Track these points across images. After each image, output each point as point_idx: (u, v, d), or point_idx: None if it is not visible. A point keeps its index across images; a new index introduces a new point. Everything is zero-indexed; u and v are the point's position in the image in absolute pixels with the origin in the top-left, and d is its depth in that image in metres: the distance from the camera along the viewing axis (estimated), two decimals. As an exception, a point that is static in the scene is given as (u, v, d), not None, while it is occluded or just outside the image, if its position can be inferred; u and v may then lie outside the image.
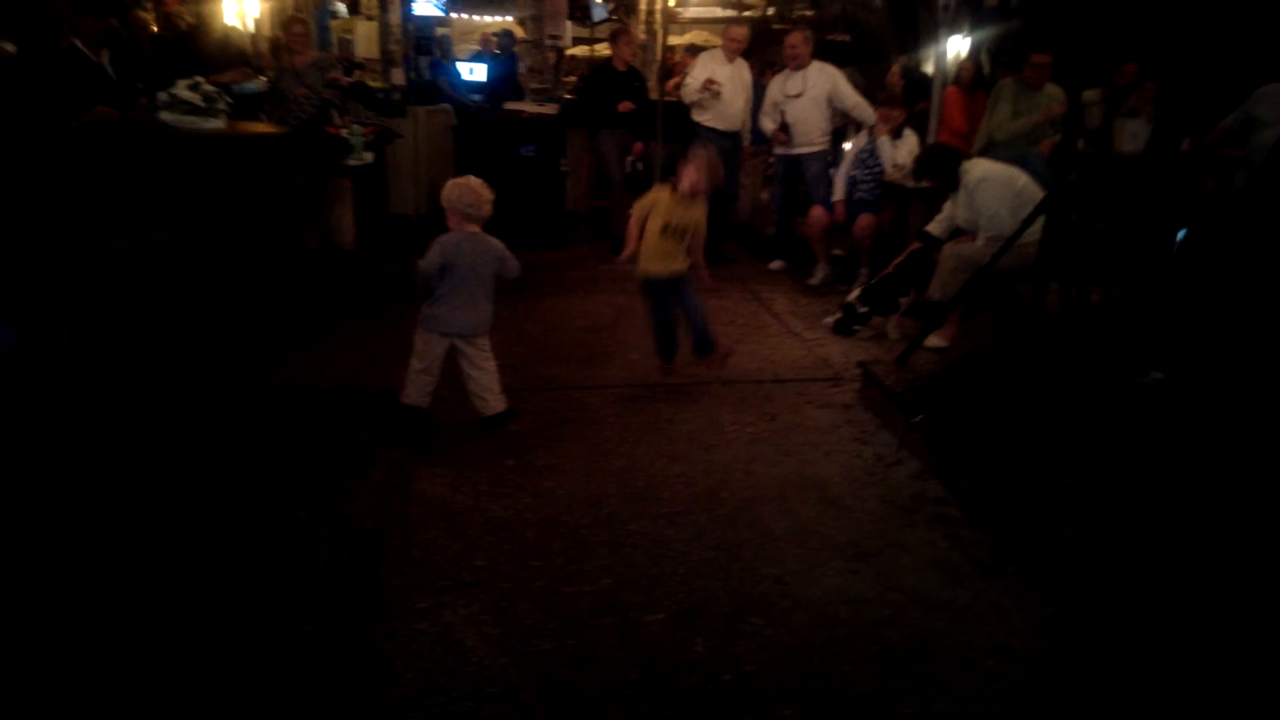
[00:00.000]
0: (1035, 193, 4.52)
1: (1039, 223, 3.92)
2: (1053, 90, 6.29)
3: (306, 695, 2.23)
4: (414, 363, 3.61)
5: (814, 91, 6.39)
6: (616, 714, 2.20)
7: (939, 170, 4.93)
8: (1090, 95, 6.98)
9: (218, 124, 5.02)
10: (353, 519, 3.06)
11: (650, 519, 3.09)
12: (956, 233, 5.00)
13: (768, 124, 6.62)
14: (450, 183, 3.55)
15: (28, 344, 3.39)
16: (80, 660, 2.31)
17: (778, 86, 6.54)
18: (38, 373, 3.53)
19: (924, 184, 5.40)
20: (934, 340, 4.90)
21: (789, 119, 6.47)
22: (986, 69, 8.07)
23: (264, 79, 6.55)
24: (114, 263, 4.02)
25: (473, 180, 3.55)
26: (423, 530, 2.99)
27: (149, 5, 7.34)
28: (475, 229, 3.57)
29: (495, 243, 3.60)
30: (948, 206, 4.96)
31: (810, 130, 6.46)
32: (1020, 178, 4.69)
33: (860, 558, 2.87)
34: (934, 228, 5.00)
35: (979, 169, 4.76)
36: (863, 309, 5.15)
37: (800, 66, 6.43)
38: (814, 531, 3.02)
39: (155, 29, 6.91)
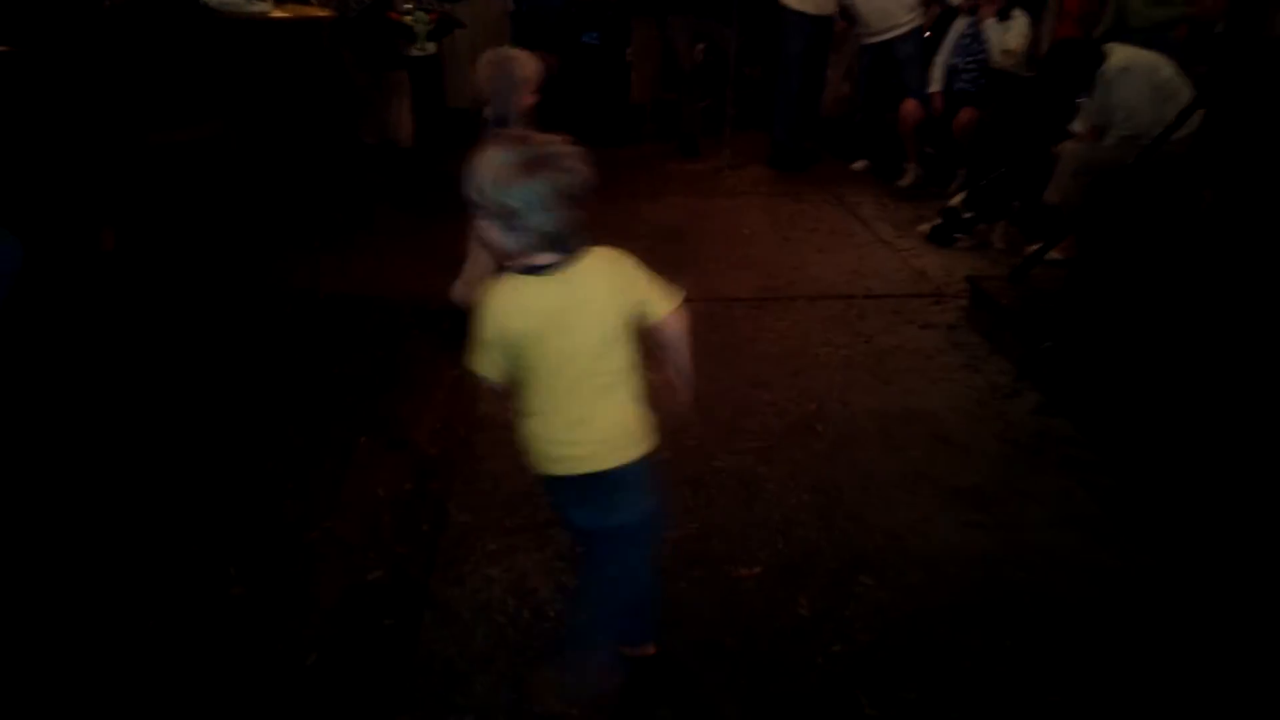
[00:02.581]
0: (1180, 86, 3.91)
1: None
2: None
3: (368, 652, 2.01)
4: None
5: None
6: (712, 686, 1.94)
7: (1071, 71, 4.26)
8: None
9: (263, 7, 4.64)
10: (416, 445, 2.82)
11: (739, 454, 2.78)
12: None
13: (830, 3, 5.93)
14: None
15: (66, 248, 3.16)
16: (139, 583, 2.13)
17: None
18: (78, 280, 3.32)
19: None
20: (1052, 254, 4.42)
21: (862, 7, 5.78)
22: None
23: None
24: (155, 159, 3.74)
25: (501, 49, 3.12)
26: (491, 460, 2.73)
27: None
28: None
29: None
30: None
31: (892, 10, 5.75)
32: (1165, 67, 4.04)
33: (980, 507, 2.53)
34: (1081, 123, 4.39)
35: (1120, 56, 4.10)
36: (967, 214, 4.65)
37: None
38: (924, 475, 2.68)
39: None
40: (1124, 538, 2.41)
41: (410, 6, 5.71)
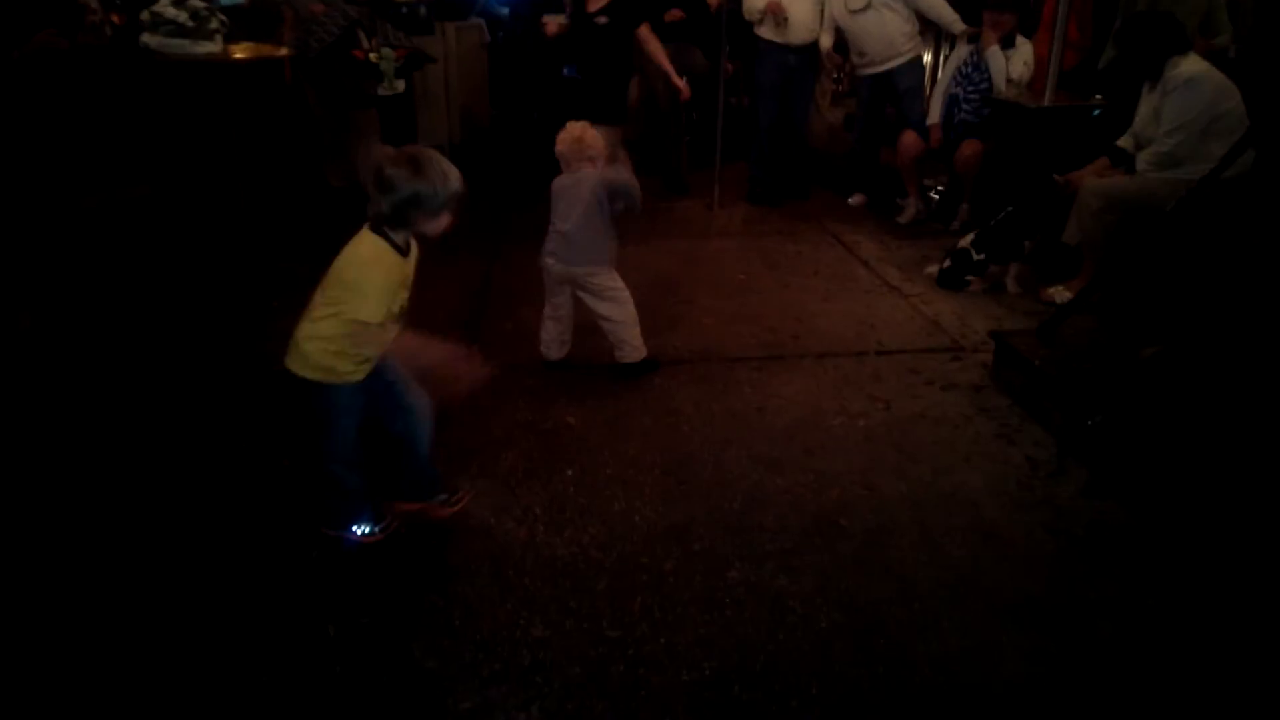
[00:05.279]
0: (1236, 127, 3.58)
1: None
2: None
3: None
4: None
5: None
6: None
7: (1146, 45, 3.86)
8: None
9: (211, 47, 4.26)
10: (376, 562, 2.41)
11: (754, 560, 2.40)
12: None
13: (824, 40, 5.61)
14: (559, 140, 3.29)
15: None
16: None
17: (838, 0, 5.50)
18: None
19: (1051, 103, 4.48)
20: (1063, 294, 4.09)
21: (860, 37, 5.46)
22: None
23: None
24: (88, 223, 3.34)
25: (572, 128, 3.29)
26: (464, 580, 2.33)
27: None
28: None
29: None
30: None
31: (893, 40, 5.44)
32: (1231, 101, 3.69)
33: (1040, 625, 2.16)
34: (1126, 141, 4.07)
35: (1192, 66, 3.74)
36: (978, 256, 4.32)
37: None
38: (971, 583, 2.31)
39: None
40: (1206, 656, 2.05)
41: (375, 44, 5.35)
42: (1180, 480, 2.52)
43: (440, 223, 2.21)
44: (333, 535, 2.46)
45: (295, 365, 2.27)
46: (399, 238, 2.21)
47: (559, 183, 3.36)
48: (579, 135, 3.29)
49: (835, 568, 2.37)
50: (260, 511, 2.62)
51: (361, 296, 2.15)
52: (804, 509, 2.63)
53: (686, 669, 2.02)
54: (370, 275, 2.17)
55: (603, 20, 4.78)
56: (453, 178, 2.17)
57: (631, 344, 3.41)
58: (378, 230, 2.20)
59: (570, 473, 2.83)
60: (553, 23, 5.17)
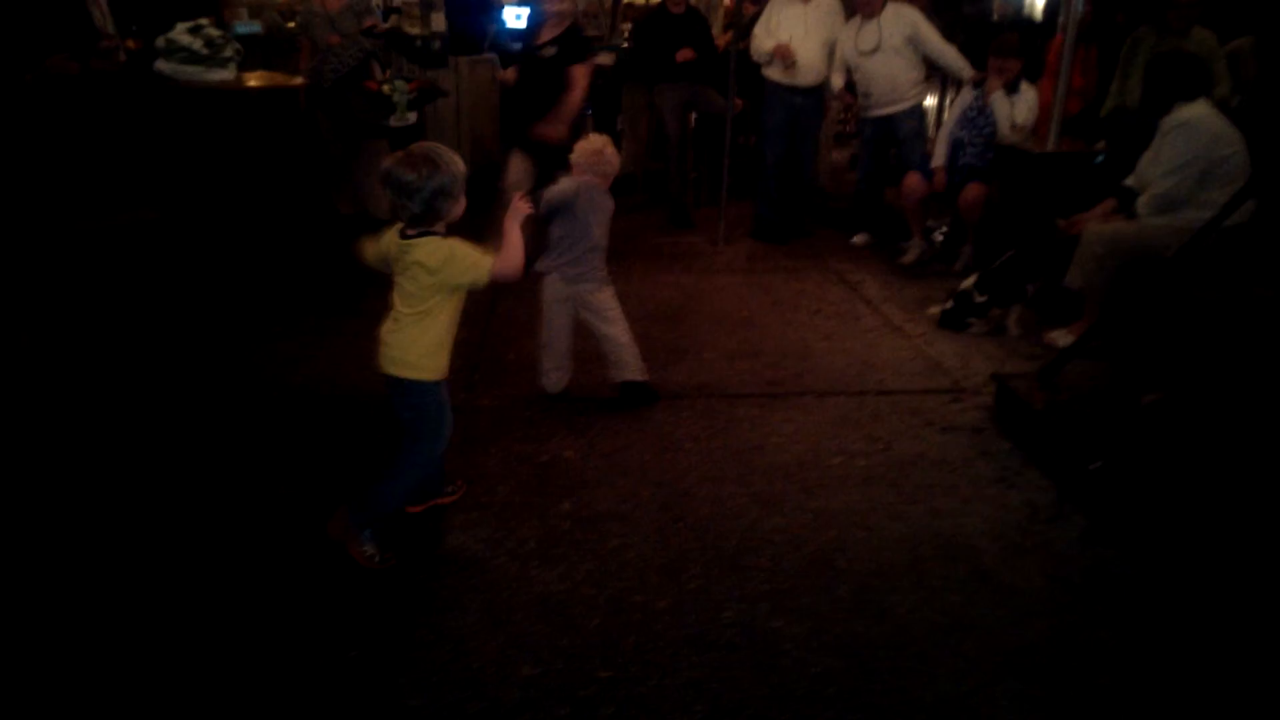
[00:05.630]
0: (1236, 175, 3.60)
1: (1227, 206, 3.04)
2: (1202, 36, 5.29)
3: None
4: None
5: (892, 40, 5.39)
6: None
7: (1160, 85, 3.87)
8: (1240, 44, 5.92)
9: (224, 74, 4.32)
10: (366, 594, 2.39)
11: (749, 601, 2.37)
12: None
13: (836, 80, 5.68)
14: (578, 147, 3.29)
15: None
16: None
17: (849, 40, 5.55)
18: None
19: (1055, 149, 4.51)
20: (1065, 337, 4.09)
21: (867, 79, 5.52)
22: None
23: (269, 21, 5.79)
24: (84, 248, 3.36)
25: (595, 140, 3.29)
26: (454, 614, 2.31)
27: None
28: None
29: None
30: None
31: (898, 85, 5.51)
32: (1230, 148, 3.71)
33: (1038, 675, 2.12)
34: (1133, 180, 4.06)
35: (1191, 111, 3.75)
36: (980, 298, 4.32)
37: (872, 14, 5.45)
38: (968, 628, 2.28)
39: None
40: (1204, 710, 2.01)
41: (389, 75, 5.42)
42: (1180, 528, 2.49)
43: (461, 205, 2.38)
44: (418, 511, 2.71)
45: (409, 372, 2.40)
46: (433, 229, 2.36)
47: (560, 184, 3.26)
48: (599, 148, 3.28)
49: (830, 610, 2.34)
50: (250, 541, 2.61)
51: (464, 264, 2.32)
52: (801, 549, 2.61)
53: (679, 712, 1.99)
54: (452, 249, 2.32)
55: (550, 52, 4.78)
56: (458, 160, 2.34)
57: (631, 368, 3.45)
58: (415, 230, 2.35)
59: (566, 507, 2.81)
60: (510, 72, 5.14)
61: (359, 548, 2.47)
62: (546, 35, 4.78)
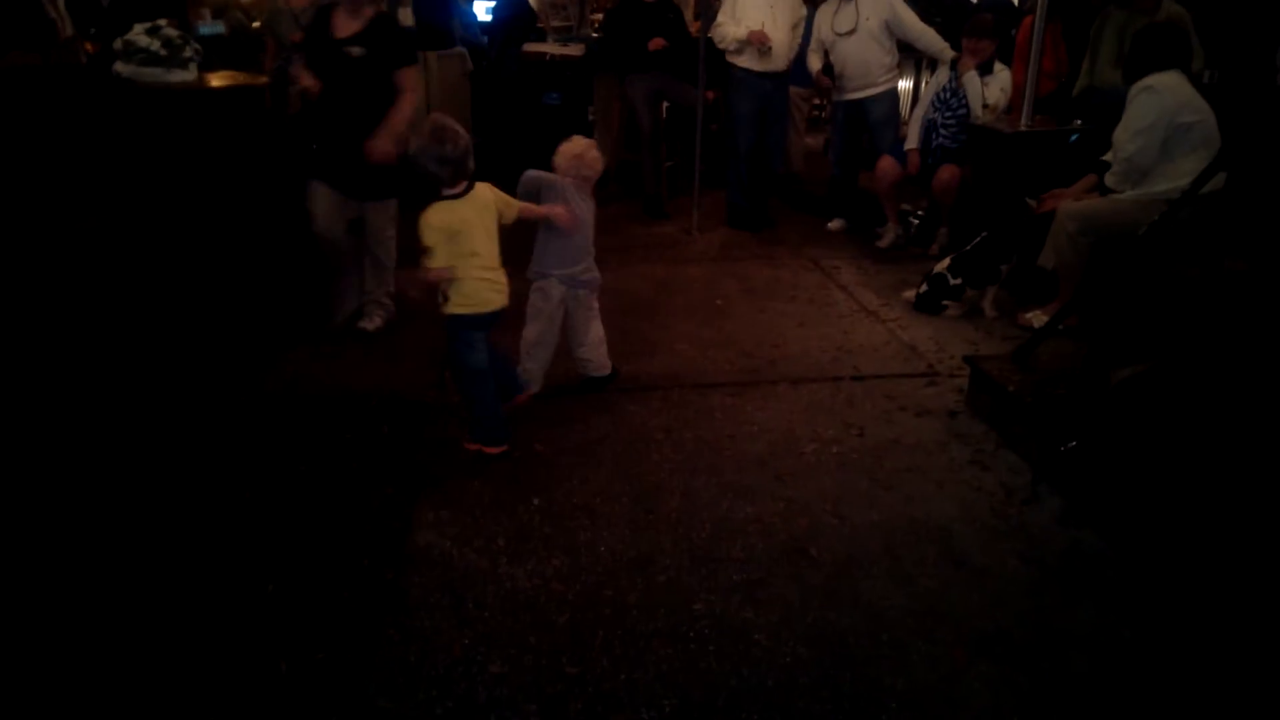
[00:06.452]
0: (1199, 143, 3.57)
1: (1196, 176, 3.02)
2: (1173, 10, 5.27)
3: None
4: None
5: (869, 23, 5.37)
6: None
7: (1140, 54, 3.81)
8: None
9: (185, 75, 4.24)
10: (333, 595, 2.34)
11: (721, 592, 2.34)
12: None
13: (814, 62, 5.66)
14: (560, 149, 3.27)
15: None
16: None
17: (825, 20, 5.54)
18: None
19: (1029, 127, 4.49)
20: (1041, 318, 4.07)
21: (841, 60, 5.49)
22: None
23: (227, 20, 5.68)
24: (59, 253, 3.29)
25: (578, 142, 3.28)
26: (423, 613, 2.27)
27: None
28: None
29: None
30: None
31: (870, 69, 5.48)
32: (1195, 114, 3.65)
33: (1013, 658, 2.11)
34: (1110, 155, 3.97)
35: (1157, 78, 3.69)
36: (955, 281, 4.31)
37: None
38: (941, 614, 2.26)
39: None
40: (1188, 693, 1.99)
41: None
42: (1155, 506, 2.48)
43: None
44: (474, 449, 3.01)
45: (484, 306, 2.89)
46: (458, 189, 2.84)
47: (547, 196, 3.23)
48: (580, 152, 3.23)
49: (803, 599, 2.31)
50: (219, 545, 2.56)
51: (507, 199, 2.99)
52: (773, 538, 2.58)
53: (647, 707, 1.96)
54: (494, 190, 2.94)
55: (357, 52, 3.60)
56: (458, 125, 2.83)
57: (603, 358, 3.48)
58: (456, 187, 2.84)
59: (536, 502, 2.77)
60: (307, 78, 3.70)
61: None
62: (345, 28, 3.62)
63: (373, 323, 4.00)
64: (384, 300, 4.06)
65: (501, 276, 2.93)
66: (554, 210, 3.09)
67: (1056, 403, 2.88)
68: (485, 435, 3.02)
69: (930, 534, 2.59)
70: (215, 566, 2.45)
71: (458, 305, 2.88)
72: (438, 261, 2.81)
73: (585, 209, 3.25)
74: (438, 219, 2.79)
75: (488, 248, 2.89)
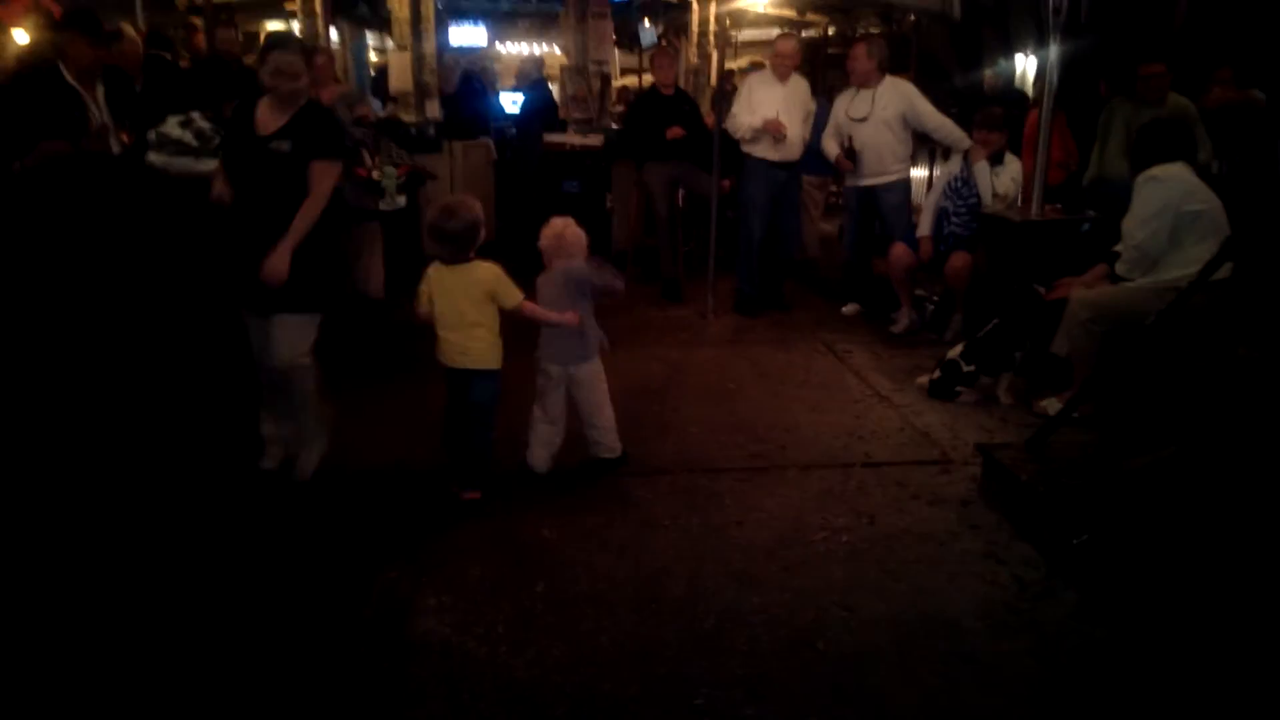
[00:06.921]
0: (1207, 233, 3.59)
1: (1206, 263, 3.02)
2: (1177, 103, 5.39)
3: None
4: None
5: (885, 113, 5.50)
6: None
7: (1145, 147, 3.90)
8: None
9: (215, 164, 4.38)
10: (330, 686, 2.30)
11: (724, 687, 2.28)
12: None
13: (831, 147, 5.78)
14: (543, 233, 3.45)
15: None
16: None
17: (842, 107, 5.70)
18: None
19: (1040, 216, 4.53)
20: (1056, 405, 4.03)
21: (856, 146, 5.62)
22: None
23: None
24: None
25: (555, 224, 3.44)
26: (417, 704, 2.22)
27: (177, 32, 6.87)
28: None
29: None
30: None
31: (883, 157, 5.59)
32: (1207, 201, 3.69)
33: (1025, 761, 2.02)
34: (1121, 245, 4.02)
35: (1162, 169, 3.75)
36: (968, 368, 4.29)
37: (866, 84, 5.59)
38: (951, 712, 2.18)
39: (185, 57, 6.41)
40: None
41: (379, 162, 5.55)
42: (1169, 600, 2.40)
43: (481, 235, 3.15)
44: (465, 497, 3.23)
45: (474, 363, 3.16)
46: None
47: (541, 280, 3.42)
48: (560, 231, 3.38)
49: (807, 695, 2.25)
50: (211, 634, 2.54)
51: (508, 286, 3.16)
52: (778, 630, 2.52)
53: (641, 809, 1.89)
54: (496, 273, 3.15)
55: (283, 147, 3.13)
56: (476, 203, 3.17)
57: (613, 440, 3.51)
58: (453, 261, 3.13)
59: (540, 588, 2.74)
60: (219, 183, 3.32)
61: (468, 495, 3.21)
62: (271, 122, 3.17)
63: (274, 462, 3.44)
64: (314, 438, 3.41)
65: (463, 340, 3.15)
66: (565, 318, 3.27)
67: (1069, 494, 2.83)
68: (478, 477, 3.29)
69: (940, 628, 2.52)
70: (208, 656, 2.42)
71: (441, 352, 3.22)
72: (426, 309, 3.20)
73: (585, 306, 3.38)
74: (428, 278, 3.19)
75: (456, 315, 3.14)
